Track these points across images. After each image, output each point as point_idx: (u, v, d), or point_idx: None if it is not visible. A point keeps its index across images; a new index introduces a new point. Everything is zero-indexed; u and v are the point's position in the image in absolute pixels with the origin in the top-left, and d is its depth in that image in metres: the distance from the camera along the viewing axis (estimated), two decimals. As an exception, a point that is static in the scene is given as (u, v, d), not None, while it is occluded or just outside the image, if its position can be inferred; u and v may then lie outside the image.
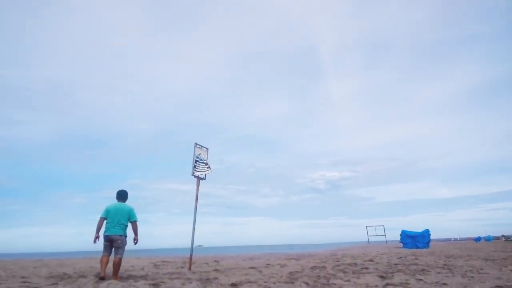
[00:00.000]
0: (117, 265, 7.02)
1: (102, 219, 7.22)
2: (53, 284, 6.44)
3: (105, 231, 7.21)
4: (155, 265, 10.82)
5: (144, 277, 7.48)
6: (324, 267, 9.25)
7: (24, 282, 6.71)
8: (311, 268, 9.15)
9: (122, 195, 7.74)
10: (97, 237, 7.05)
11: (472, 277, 7.09)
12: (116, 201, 7.66)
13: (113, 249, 7.23)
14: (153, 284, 6.04)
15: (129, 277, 7.48)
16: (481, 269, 8.56)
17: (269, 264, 10.70)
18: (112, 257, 7.20)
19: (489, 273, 7.64)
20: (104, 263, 7.00)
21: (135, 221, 7.44)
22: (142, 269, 9.51)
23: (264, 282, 6.28)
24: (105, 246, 7.19)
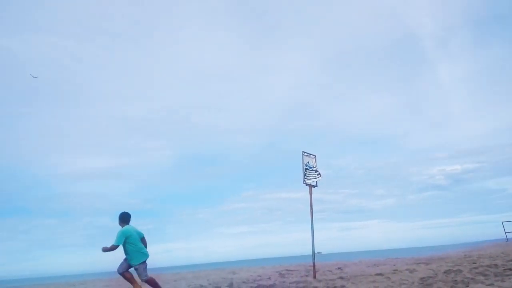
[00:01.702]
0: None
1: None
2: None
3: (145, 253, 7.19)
4: (280, 274, 11.14)
5: (272, 286, 7.79)
6: (460, 271, 8.54)
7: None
8: (445, 272, 8.53)
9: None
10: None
11: None
12: (126, 224, 7.24)
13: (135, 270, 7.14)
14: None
15: (258, 286, 7.85)
16: None
17: (396, 270, 10.24)
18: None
19: None
20: None
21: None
22: (269, 278, 9.88)
23: (394, 289, 6.07)
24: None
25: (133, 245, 7.00)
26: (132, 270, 7.20)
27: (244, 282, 9.14)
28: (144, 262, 7.08)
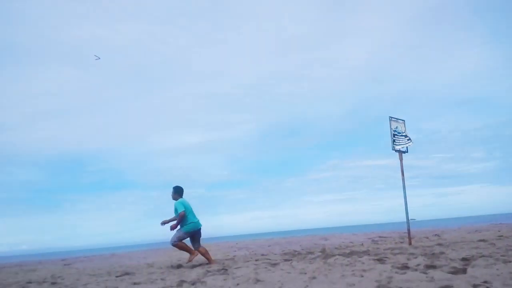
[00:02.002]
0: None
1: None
2: (288, 260, 7.38)
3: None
4: (373, 241, 11.04)
5: (366, 252, 7.77)
6: None
7: (266, 259, 7.90)
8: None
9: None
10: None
11: None
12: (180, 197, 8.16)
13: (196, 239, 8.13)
14: (377, 260, 6.23)
15: (352, 252, 7.90)
16: None
17: (502, 236, 9.55)
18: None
19: None
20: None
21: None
22: (362, 244, 9.87)
23: (501, 255, 5.69)
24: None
25: (189, 215, 7.95)
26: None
27: (336, 248, 9.25)
28: (192, 231, 7.98)
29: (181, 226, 7.90)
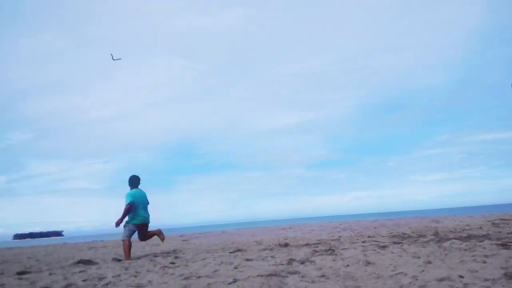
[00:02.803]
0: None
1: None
2: (398, 242, 7.15)
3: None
4: (494, 224, 10.10)
5: (486, 236, 7.18)
6: None
7: (373, 241, 7.75)
8: None
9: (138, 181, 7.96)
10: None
11: None
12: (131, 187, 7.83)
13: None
14: (500, 244, 5.72)
15: (469, 236, 7.36)
16: None
17: None
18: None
19: None
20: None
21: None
22: (480, 227, 9.10)
23: None
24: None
25: (138, 208, 7.63)
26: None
27: (451, 231, 8.68)
28: (141, 224, 7.71)
29: (130, 219, 7.58)
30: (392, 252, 5.84)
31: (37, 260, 8.61)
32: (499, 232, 7.92)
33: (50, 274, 5.91)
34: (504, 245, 5.64)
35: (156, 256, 7.71)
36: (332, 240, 8.67)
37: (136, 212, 7.55)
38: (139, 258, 7.68)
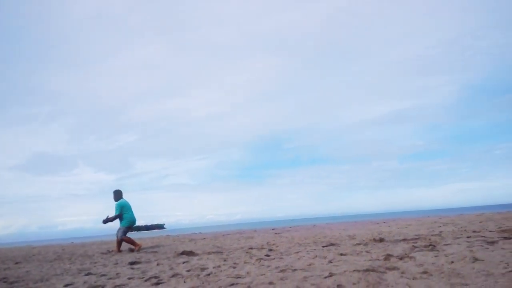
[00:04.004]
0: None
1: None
2: (509, 238, 6.51)
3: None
4: None
5: None
6: None
7: (479, 236, 7.15)
8: None
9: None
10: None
11: None
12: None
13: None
14: None
15: None
16: None
17: None
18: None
19: None
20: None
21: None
22: None
23: None
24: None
25: (127, 212, 9.98)
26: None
27: None
28: (131, 225, 9.94)
29: (122, 223, 9.82)
30: (503, 248, 5.34)
31: (145, 252, 9.48)
32: None
33: (158, 264, 6.49)
34: None
35: (252, 249, 8.01)
36: (432, 235, 8.19)
37: (125, 217, 9.84)
38: (235, 250, 8.05)
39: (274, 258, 6.09)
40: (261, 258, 6.18)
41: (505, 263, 4.28)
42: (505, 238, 6.56)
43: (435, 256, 5.13)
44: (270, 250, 7.50)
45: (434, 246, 6.18)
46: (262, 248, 7.99)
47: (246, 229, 21.63)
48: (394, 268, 4.49)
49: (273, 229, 17.64)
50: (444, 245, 6.23)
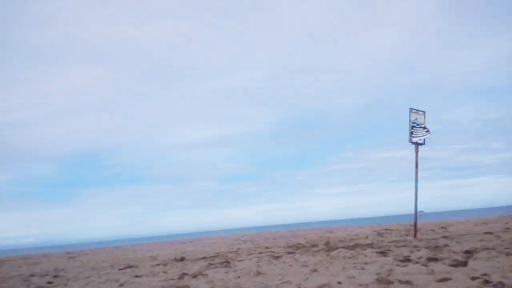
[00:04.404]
0: None
1: None
2: (291, 252, 7.35)
3: None
4: (379, 234, 10.97)
5: (370, 245, 7.72)
6: None
7: (269, 251, 7.89)
8: None
9: None
10: None
11: None
12: None
13: None
14: (380, 252, 6.18)
15: (355, 245, 7.85)
16: None
17: (508, 228, 9.41)
18: None
19: None
20: None
21: None
22: (366, 237, 9.80)
23: (505, 248, 5.61)
24: None
25: None
26: None
27: (341, 241, 9.21)
28: None
29: None
30: (284, 262, 5.97)
31: None
32: (382, 241, 8.59)
33: None
34: (383, 253, 6.11)
35: (33, 276, 6.91)
36: (230, 252, 8.63)
37: None
38: (11, 278, 6.81)
39: (56, 285, 5.35)
40: (41, 286, 5.35)
41: (282, 275, 4.75)
42: (289, 252, 7.39)
43: (226, 272, 5.35)
44: (56, 276, 6.61)
45: (229, 262, 6.48)
46: (47, 275, 6.98)
47: (36, 253, 18.77)
48: (185, 287, 4.46)
49: (68, 253, 15.81)
50: (238, 261, 6.60)
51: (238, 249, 9.44)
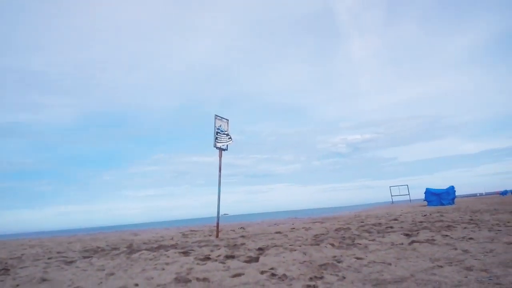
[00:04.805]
0: None
1: None
2: (88, 257, 6.73)
3: None
4: (184, 235, 11.15)
5: (174, 246, 7.72)
6: (349, 228, 9.34)
7: (61, 256, 7.03)
8: (336, 230, 9.25)
9: None
10: None
11: (499, 230, 7.04)
12: None
13: None
14: (183, 253, 6.23)
15: (159, 247, 7.74)
16: (508, 222, 8.47)
17: (294, 228, 10.87)
18: None
19: (517, 226, 7.56)
20: None
21: None
22: (172, 238, 9.81)
23: (290, 245, 6.40)
24: None
25: None
26: None
27: (144, 243, 8.95)
28: None
29: None
30: (78, 267, 5.39)
31: None
32: (186, 241, 8.73)
33: None
34: (185, 253, 6.17)
35: None
36: (11, 258, 7.34)
37: None
38: None
39: None
40: None
41: (72, 281, 4.25)
42: (84, 257, 6.73)
43: (1, 281, 4.49)
44: None
45: (8, 270, 5.47)
46: None
47: None
48: None
49: None
50: (20, 268, 5.64)
51: (22, 254, 8.13)
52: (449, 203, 25.51)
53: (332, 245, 6.16)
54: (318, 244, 6.31)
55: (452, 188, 26.80)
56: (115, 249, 7.96)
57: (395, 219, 11.87)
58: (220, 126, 10.28)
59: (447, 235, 6.68)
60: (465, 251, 4.89)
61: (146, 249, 7.16)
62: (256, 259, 4.86)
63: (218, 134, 10.11)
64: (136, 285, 3.73)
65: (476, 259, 4.27)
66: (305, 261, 4.66)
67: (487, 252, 4.75)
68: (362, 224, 10.68)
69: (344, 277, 3.70)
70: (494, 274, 3.49)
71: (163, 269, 4.61)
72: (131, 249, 7.49)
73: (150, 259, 5.67)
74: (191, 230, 13.43)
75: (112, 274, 4.56)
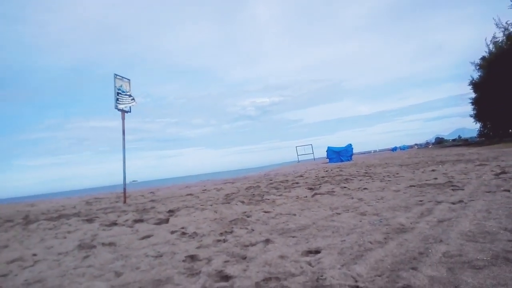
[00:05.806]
0: None
1: None
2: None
3: None
4: (87, 203, 10.56)
5: (76, 214, 7.28)
6: (258, 186, 9.67)
7: None
8: (246, 188, 9.52)
9: None
10: None
11: (389, 180, 7.86)
12: None
13: None
14: (86, 220, 5.91)
15: (60, 216, 7.24)
16: (397, 173, 9.49)
17: (205, 190, 10.94)
18: None
19: (403, 176, 8.51)
20: None
21: None
22: (74, 207, 9.24)
23: (201, 205, 6.43)
24: None
25: None
26: None
27: (43, 213, 8.30)
28: None
29: None
30: (-38, 244, 4.81)
31: None
32: (90, 209, 8.28)
33: None
34: (89, 220, 5.85)
35: None
36: None
37: None
38: None
39: None
40: None
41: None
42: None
43: None
44: None
45: None
46: None
47: None
48: None
49: None
50: None
51: None
52: (348, 160, 27.78)
53: (242, 202, 6.33)
54: (229, 203, 6.43)
55: (350, 146, 29.16)
56: (8, 221, 7.25)
57: (301, 176, 12.59)
58: (121, 86, 9.63)
59: (345, 187, 7.28)
60: (360, 199, 5.38)
61: (45, 219, 6.64)
62: (166, 221, 4.80)
63: (120, 95, 9.48)
64: (35, 255, 3.44)
65: (369, 206, 4.72)
66: (215, 219, 4.73)
67: (378, 199, 5.27)
68: (271, 182, 11.14)
69: (253, 230, 3.83)
70: (384, 217, 3.89)
71: (65, 237, 4.33)
72: (28, 220, 6.89)
73: (50, 229, 5.28)
74: (96, 198, 12.78)
75: (6, 246, 4.15)
